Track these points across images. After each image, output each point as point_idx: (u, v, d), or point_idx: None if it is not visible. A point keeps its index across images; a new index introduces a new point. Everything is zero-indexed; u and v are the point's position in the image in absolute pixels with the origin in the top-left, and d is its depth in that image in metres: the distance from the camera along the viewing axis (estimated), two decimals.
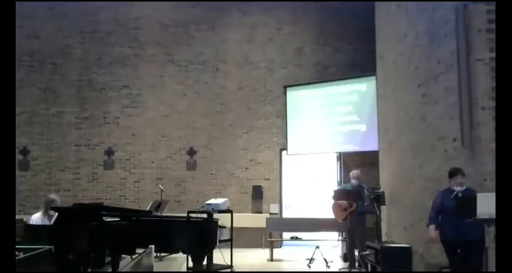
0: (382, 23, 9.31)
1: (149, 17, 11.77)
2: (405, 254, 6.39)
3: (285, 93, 11.18)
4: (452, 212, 5.10)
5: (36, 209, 8.51)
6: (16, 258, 5.02)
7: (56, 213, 6.28)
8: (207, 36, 11.73)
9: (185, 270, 7.74)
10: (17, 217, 9.99)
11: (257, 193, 11.15)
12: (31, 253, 5.02)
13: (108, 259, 6.92)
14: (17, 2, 11.55)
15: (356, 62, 11.21)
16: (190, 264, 7.08)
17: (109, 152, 11.38)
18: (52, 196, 6.84)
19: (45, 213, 6.45)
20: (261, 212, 11.04)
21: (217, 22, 11.78)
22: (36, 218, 6.50)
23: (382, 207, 8.16)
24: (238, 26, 11.77)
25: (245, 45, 11.71)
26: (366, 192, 7.97)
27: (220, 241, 6.87)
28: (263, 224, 9.82)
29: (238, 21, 11.79)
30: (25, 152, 11.26)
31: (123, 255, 6.72)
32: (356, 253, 7.78)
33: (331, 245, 10.13)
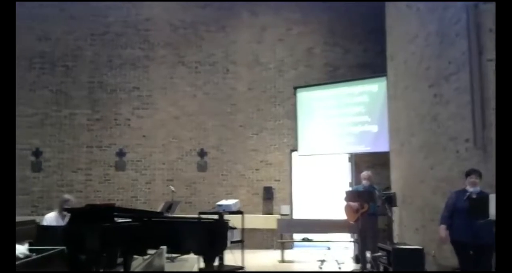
0: (393, 23, 9.26)
1: (159, 18, 11.83)
2: (418, 255, 6.34)
3: (295, 94, 11.16)
4: (464, 213, 5.09)
5: (49, 210, 8.59)
6: (30, 259, 5.07)
7: (69, 214, 6.34)
8: (217, 37, 11.76)
9: (197, 271, 7.75)
10: (30, 218, 10.12)
11: (268, 194, 11.15)
12: (44, 254, 5.06)
13: (120, 260, 6.97)
14: (28, 4, 11.71)
15: (366, 63, 11.18)
16: (202, 265, 7.09)
17: (121, 154, 11.44)
18: (67, 196, 6.91)
19: (60, 212, 6.52)
20: (271, 213, 11.04)
21: (226, 23, 11.80)
22: (50, 217, 6.57)
23: (394, 208, 8.11)
24: (247, 27, 11.79)
25: (255, 46, 11.73)
26: (377, 193, 7.93)
27: (231, 242, 6.88)
28: (274, 225, 9.81)
29: (247, 22, 11.80)
30: (37, 153, 11.37)
31: (134, 256, 6.76)
32: (368, 254, 7.75)
33: (343, 247, 10.09)
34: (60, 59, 11.70)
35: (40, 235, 6.24)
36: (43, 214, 7.82)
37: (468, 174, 5.28)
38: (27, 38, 11.69)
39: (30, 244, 6.07)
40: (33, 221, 9.34)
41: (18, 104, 11.52)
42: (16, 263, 4.81)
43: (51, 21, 11.77)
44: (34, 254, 5.31)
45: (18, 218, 10.29)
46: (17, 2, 11.68)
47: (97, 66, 11.71)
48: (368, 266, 7.71)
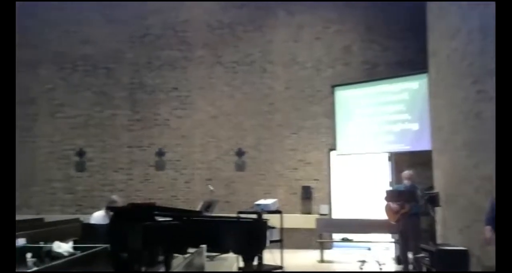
0: (434, 19, 9.04)
1: (196, 20, 11.95)
2: (462, 256, 6.18)
3: (333, 92, 11.03)
4: None
5: (92, 208, 8.84)
6: (74, 256, 5.22)
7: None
8: (254, 37, 11.78)
9: (236, 270, 7.79)
10: (74, 216, 10.46)
11: (306, 193, 11.09)
12: (88, 252, 5.20)
13: (160, 258, 7.07)
14: (71, 9, 12.07)
15: (406, 60, 10.91)
16: (241, 264, 7.12)
17: (160, 153, 11.64)
18: (114, 197, 7.11)
19: (107, 211, 6.70)
20: (310, 213, 10.97)
21: (263, 23, 11.81)
22: (98, 216, 6.76)
23: (437, 208, 7.92)
24: (284, 26, 11.75)
25: (291, 45, 11.68)
26: (419, 193, 7.76)
27: (270, 242, 6.87)
28: (312, 225, 9.75)
29: (284, 21, 11.77)
30: (81, 153, 11.72)
31: (175, 255, 6.86)
32: (410, 255, 7.60)
33: (384, 247, 9.92)
34: (102, 61, 12.01)
35: (85, 233, 6.42)
36: (87, 213, 8.06)
37: None
38: (71, 42, 12.08)
39: (75, 242, 6.25)
40: (77, 220, 9.66)
41: (63, 106, 11.94)
42: (61, 261, 4.97)
43: (93, 25, 12.11)
44: (78, 251, 5.47)
45: (63, 217, 10.71)
46: (60, 8, 12.09)
47: (137, 68, 11.96)
48: (410, 267, 7.56)
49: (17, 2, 11.99)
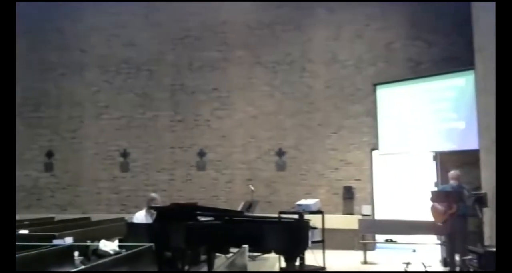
0: (479, 13, 8.73)
1: (235, 21, 12.00)
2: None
3: (374, 91, 10.80)
4: None
5: (136, 208, 9.01)
6: (119, 255, 5.32)
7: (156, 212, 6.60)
8: (293, 36, 11.71)
9: (278, 271, 7.77)
10: (118, 216, 10.71)
11: (348, 193, 10.94)
12: (133, 250, 5.29)
13: (203, 257, 7.12)
14: (114, 13, 12.35)
15: (453, 56, 10.49)
16: (283, 264, 7.09)
17: (201, 154, 11.75)
18: (153, 194, 7.23)
19: (148, 210, 6.81)
20: (352, 214, 10.81)
21: (302, 22, 11.72)
22: (140, 215, 6.88)
23: (485, 209, 7.63)
24: (324, 25, 11.62)
25: (332, 43, 11.54)
26: (466, 193, 7.50)
27: (312, 242, 6.81)
28: (355, 225, 9.59)
29: (323, 19, 11.64)
30: (125, 154, 11.98)
31: (217, 254, 6.89)
32: (457, 257, 7.37)
33: (429, 249, 9.65)
34: (144, 63, 12.24)
35: (129, 232, 6.54)
36: (132, 212, 8.21)
37: None
38: (114, 45, 12.36)
39: (120, 241, 6.38)
40: (122, 219, 9.88)
41: (107, 108, 12.24)
42: (107, 259, 5.08)
43: (135, 28, 12.35)
44: (123, 250, 5.58)
45: (109, 216, 10.98)
46: (103, 12, 12.39)
47: (179, 69, 12.12)
48: (457, 269, 7.33)
49: (64, 7, 12.39)
